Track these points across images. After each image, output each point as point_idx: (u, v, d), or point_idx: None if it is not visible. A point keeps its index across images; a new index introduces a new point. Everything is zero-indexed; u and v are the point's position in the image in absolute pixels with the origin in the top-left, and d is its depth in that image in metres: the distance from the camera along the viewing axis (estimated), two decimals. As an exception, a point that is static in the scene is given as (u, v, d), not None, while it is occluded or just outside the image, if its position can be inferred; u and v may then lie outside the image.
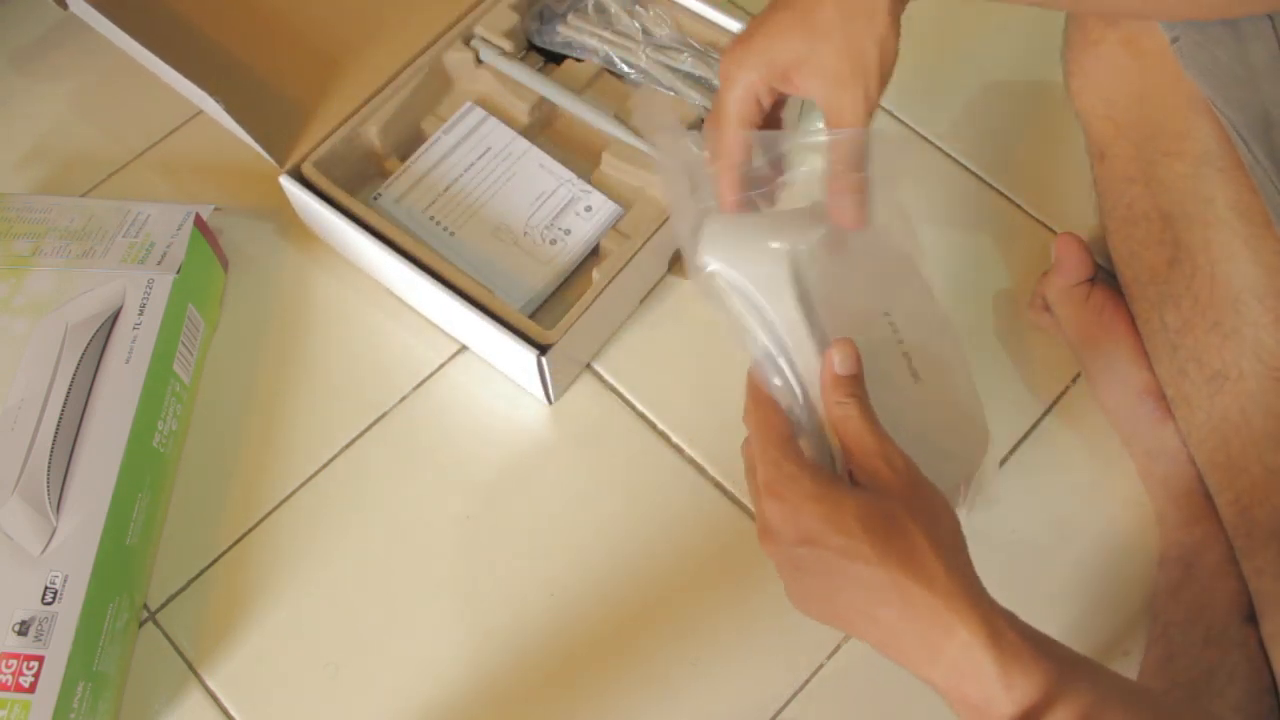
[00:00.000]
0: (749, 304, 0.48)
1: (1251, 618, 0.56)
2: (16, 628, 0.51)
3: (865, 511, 0.40)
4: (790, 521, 0.41)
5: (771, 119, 0.50)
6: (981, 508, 0.53)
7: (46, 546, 0.54)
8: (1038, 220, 0.73)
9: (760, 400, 0.46)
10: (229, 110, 0.64)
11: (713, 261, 0.48)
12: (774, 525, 0.42)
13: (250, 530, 0.63)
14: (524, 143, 0.70)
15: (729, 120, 0.47)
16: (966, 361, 0.51)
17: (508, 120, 0.71)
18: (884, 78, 0.46)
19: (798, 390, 0.47)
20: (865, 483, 0.42)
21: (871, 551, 0.39)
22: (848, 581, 0.40)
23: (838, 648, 0.60)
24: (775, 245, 0.48)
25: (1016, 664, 0.37)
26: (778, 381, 0.47)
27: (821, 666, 0.59)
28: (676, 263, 0.70)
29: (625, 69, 0.71)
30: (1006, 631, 0.37)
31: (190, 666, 0.59)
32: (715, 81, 0.68)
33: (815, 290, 0.48)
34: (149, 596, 0.61)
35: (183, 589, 0.61)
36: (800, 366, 0.47)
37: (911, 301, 0.51)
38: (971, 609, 0.38)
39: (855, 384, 0.44)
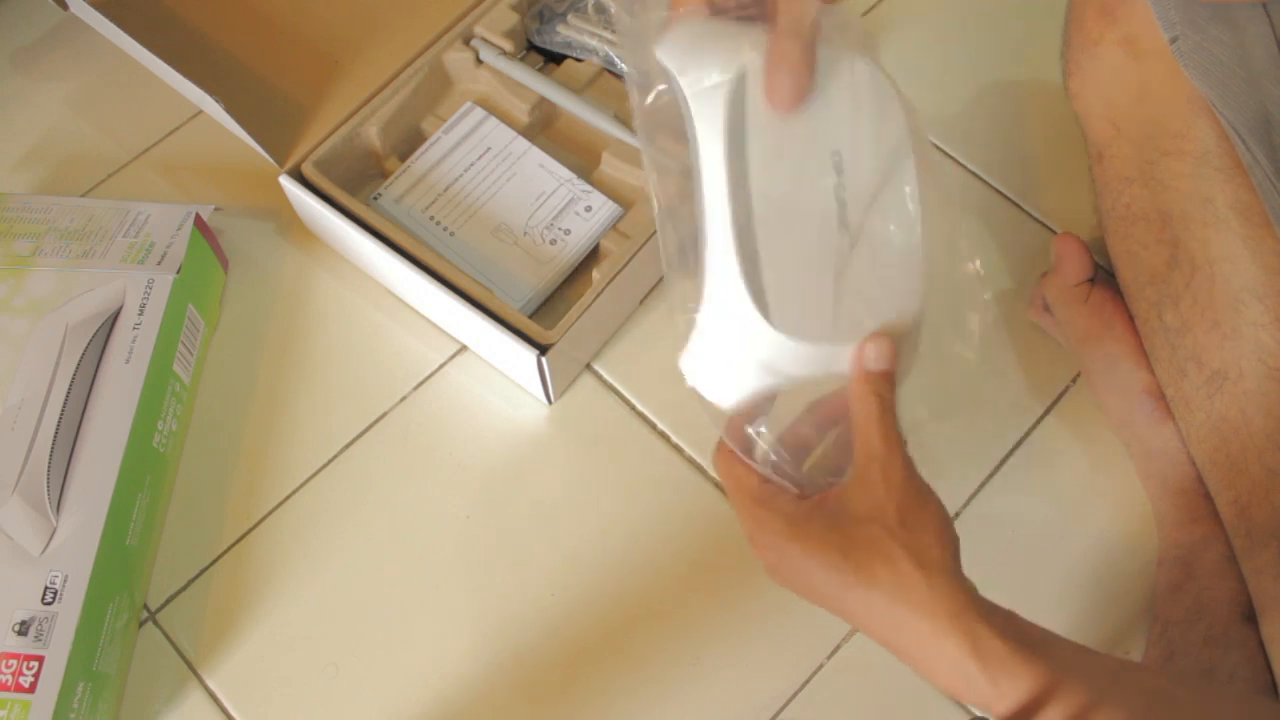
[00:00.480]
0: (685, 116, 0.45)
1: (1251, 618, 0.56)
2: (16, 628, 0.51)
3: (845, 542, 0.41)
4: (780, 566, 0.44)
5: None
6: (910, 366, 0.50)
7: (46, 546, 0.54)
8: (1038, 220, 0.73)
9: (725, 453, 0.46)
10: (229, 110, 0.64)
11: (664, 58, 0.46)
12: (769, 566, 0.45)
13: (250, 530, 0.63)
14: (524, 143, 0.70)
15: None
16: (917, 226, 0.48)
17: (508, 120, 0.71)
18: None
19: (700, 220, 0.45)
20: (858, 490, 0.42)
21: (857, 581, 0.40)
22: (843, 606, 0.42)
23: (837, 648, 0.60)
24: (729, 51, 0.45)
25: (1003, 672, 0.38)
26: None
27: (821, 666, 0.59)
28: (676, 263, 0.70)
29: (625, 69, 0.71)
30: (990, 641, 0.39)
31: (190, 666, 0.59)
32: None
33: (757, 112, 0.45)
34: (149, 596, 0.61)
35: (183, 589, 0.61)
36: (705, 195, 0.45)
37: (874, 145, 0.47)
38: (954, 624, 0.39)
39: (883, 381, 0.44)
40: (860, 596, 0.41)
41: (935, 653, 0.39)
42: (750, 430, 0.46)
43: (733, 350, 0.47)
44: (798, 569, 0.42)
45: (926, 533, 0.41)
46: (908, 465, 0.43)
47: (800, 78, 0.43)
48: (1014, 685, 0.38)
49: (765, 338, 0.45)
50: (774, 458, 0.45)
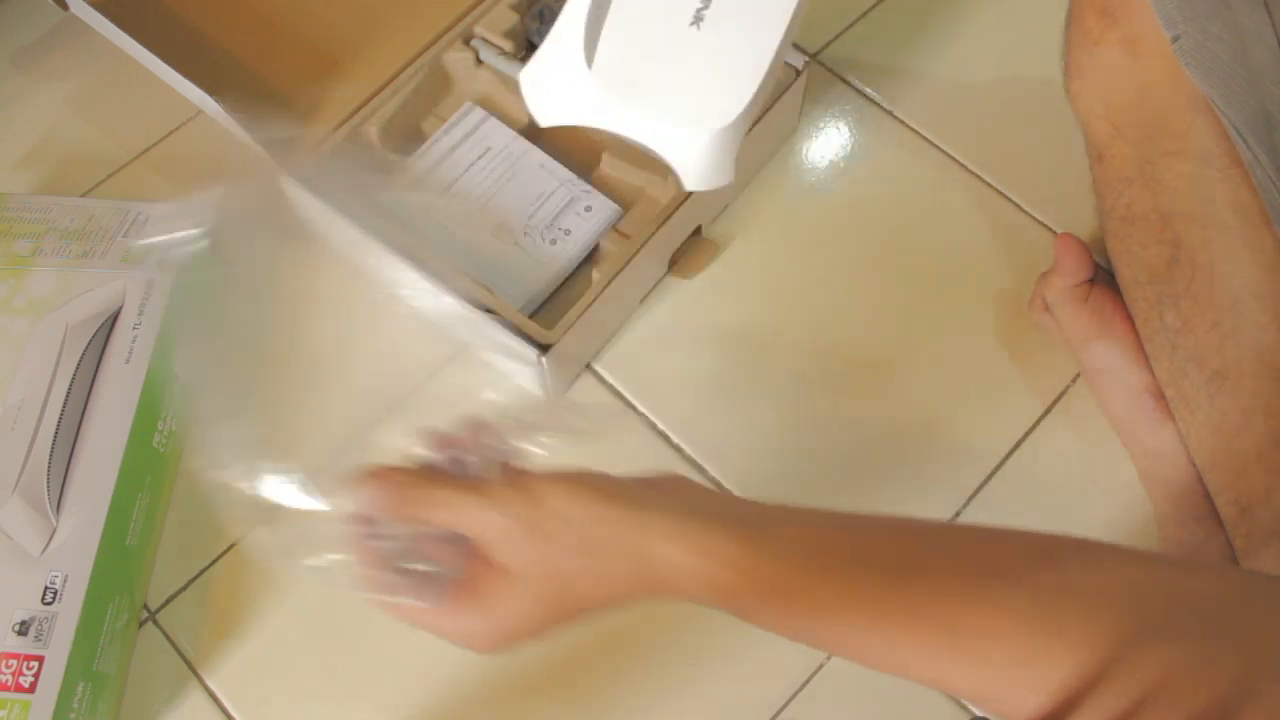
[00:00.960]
0: None
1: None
2: (16, 628, 0.51)
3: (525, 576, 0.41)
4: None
5: None
6: (712, 181, 0.54)
7: (46, 546, 0.54)
8: (1038, 220, 0.73)
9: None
10: (229, 110, 0.64)
11: None
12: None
13: (251, 530, 0.63)
14: (524, 143, 0.70)
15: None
16: (774, 45, 0.52)
17: (508, 120, 0.70)
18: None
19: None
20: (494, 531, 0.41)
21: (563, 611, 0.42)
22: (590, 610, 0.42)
23: (838, 648, 0.60)
24: None
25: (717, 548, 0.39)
26: None
27: (821, 666, 0.59)
28: (676, 263, 0.70)
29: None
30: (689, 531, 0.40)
31: (190, 666, 0.59)
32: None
33: None
34: (149, 596, 0.61)
35: (183, 589, 0.61)
36: None
37: None
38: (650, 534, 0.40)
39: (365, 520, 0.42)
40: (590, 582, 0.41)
41: (646, 569, 0.40)
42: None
43: (557, 78, 0.55)
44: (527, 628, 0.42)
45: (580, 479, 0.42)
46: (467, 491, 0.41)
47: None
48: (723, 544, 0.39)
49: (582, 77, 0.53)
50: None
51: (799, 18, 0.53)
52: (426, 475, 0.42)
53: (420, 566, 0.42)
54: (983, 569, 0.38)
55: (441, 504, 0.41)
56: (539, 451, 0.44)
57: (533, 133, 0.71)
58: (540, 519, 0.40)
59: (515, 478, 0.41)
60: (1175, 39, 0.54)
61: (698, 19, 0.52)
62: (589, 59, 0.52)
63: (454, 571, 0.42)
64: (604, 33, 0.52)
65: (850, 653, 0.40)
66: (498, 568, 0.41)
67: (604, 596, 0.41)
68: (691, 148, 0.53)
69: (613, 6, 0.52)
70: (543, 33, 0.72)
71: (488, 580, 0.41)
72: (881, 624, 0.38)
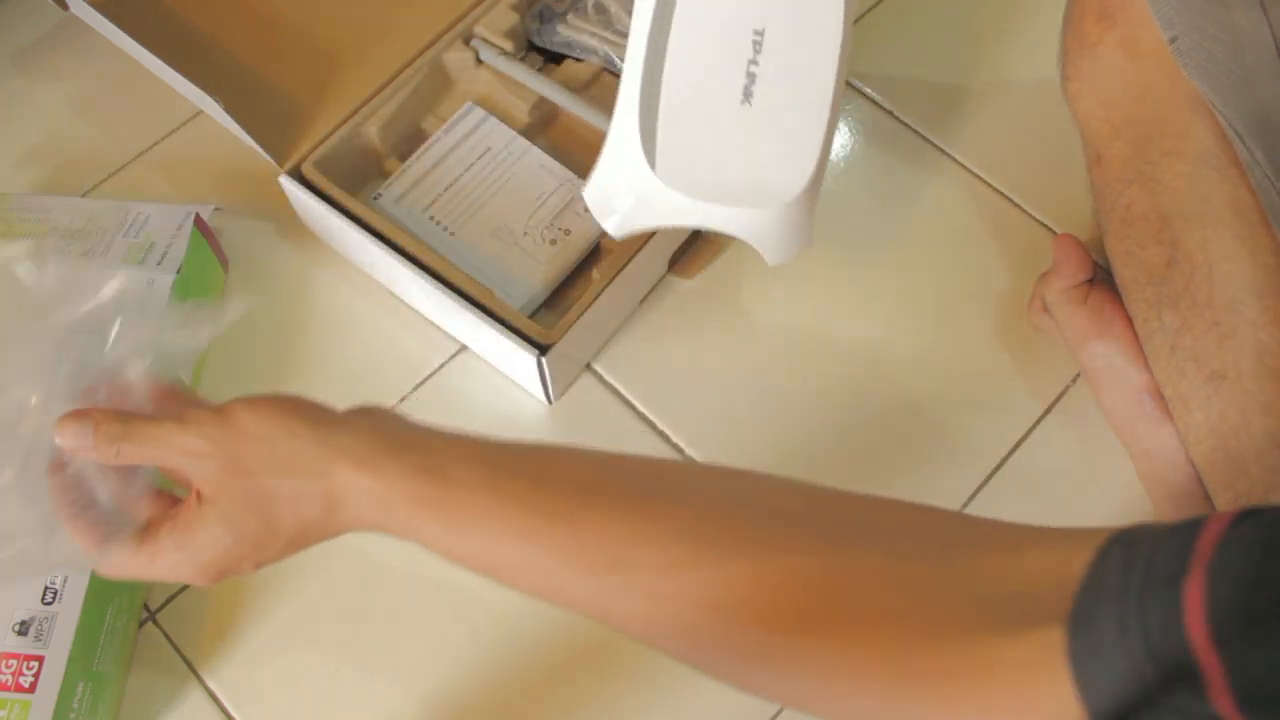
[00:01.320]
0: None
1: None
2: (16, 628, 0.51)
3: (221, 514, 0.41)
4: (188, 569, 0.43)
5: None
6: (793, 251, 0.55)
7: (46, 546, 0.54)
8: (1038, 220, 0.73)
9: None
10: (229, 110, 0.64)
11: None
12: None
13: (250, 530, 0.63)
14: (524, 143, 0.70)
15: None
16: (828, 106, 0.52)
17: (508, 120, 0.71)
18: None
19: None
20: (192, 463, 0.41)
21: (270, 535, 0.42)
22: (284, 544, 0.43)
23: (837, 647, 0.60)
24: None
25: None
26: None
27: (821, 666, 0.59)
28: (676, 262, 0.70)
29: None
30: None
31: (190, 666, 0.59)
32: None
33: None
34: (149, 596, 0.61)
35: (183, 589, 0.61)
36: (628, 49, 0.51)
37: (801, 30, 0.51)
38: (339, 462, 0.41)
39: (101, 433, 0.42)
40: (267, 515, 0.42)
41: (346, 509, 0.41)
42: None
43: (622, 187, 0.54)
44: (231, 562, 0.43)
45: (245, 436, 0.42)
46: (192, 413, 0.42)
47: None
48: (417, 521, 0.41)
49: (648, 182, 0.51)
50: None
51: (846, 67, 0.53)
52: (124, 413, 0.42)
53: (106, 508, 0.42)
54: (631, 490, 0.39)
55: (141, 435, 0.41)
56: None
57: (532, 133, 0.71)
58: (234, 439, 0.41)
59: (214, 406, 0.42)
60: (1172, 40, 0.54)
61: (747, 95, 0.51)
62: (651, 162, 0.51)
63: (134, 518, 0.42)
64: (659, 130, 0.51)
65: (516, 577, 0.41)
66: (197, 496, 0.41)
67: (297, 521, 0.42)
68: (768, 225, 0.52)
69: (662, 101, 0.51)
70: (542, 33, 0.73)
71: (187, 511, 0.42)
72: (530, 535, 0.39)
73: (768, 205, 0.51)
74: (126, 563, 0.43)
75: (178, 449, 0.41)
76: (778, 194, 0.51)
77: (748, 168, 0.51)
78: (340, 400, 0.67)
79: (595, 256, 0.68)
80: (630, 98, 0.50)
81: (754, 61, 0.51)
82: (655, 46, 0.50)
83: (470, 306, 0.62)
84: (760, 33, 0.51)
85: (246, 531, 0.42)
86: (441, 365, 0.68)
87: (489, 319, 0.61)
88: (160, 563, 0.43)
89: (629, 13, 0.72)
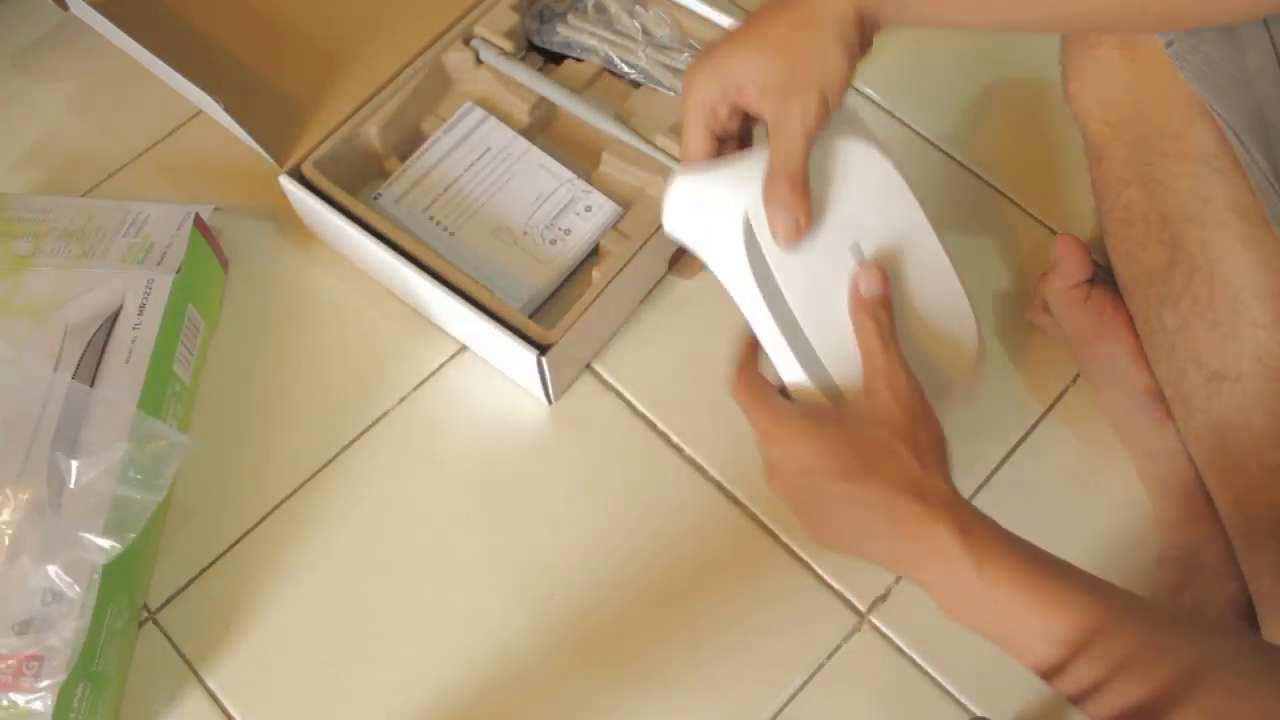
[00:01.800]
0: (709, 262, 0.52)
1: (1251, 617, 0.56)
2: (16, 628, 0.51)
3: (854, 438, 0.46)
4: (789, 457, 0.46)
5: (742, 135, 0.53)
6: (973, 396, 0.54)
7: (46, 546, 0.54)
8: (1038, 220, 0.73)
9: (742, 363, 0.51)
10: (229, 110, 0.64)
11: (672, 225, 0.52)
12: (776, 463, 0.47)
13: (250, 530, 0.63)
14: (524, 143, 0.70)
15: (689, 124, 0.51)
16: (954, 275, 0.53)
17: (508, 120, 0.71)
18: (825, 92, 0.48)
19: (764, 347, 0.51)
20: (865, 401, 0.47)
21: (863, 471, 0.44)
22: (845, 502, 0.45)
23: (837, 648, 0.60)
24: (728, 203, 0.50)
25: (988, 560, 0.43)
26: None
27: (821, 666, 0.59)
28: (676, 262, 0.70)
29: (625, 69, 0.71)
30: (979, 529, 0.44)
31: (190, 666, 0.59)
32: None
33: (773, 250, 0.50)
34: (149, 596, 0.61)
35: (183, 589, 0.61)
36: (758, 329, 0.51)
37: (886, 227, 0.52)
38: (947, 511, 0.43)
39: (877, 306, 0.49)
40: (862, 485, 0.44)
41: (925, 537, 0.43)
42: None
43: None
44: (804, 461, 0.46)
45: (926, 436, 0.46)
46: (910, 377, 0.47)
47: (796, 213, 0.48)
48: (997, 571, 0.42)
49: None
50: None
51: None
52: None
53: None
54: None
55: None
56: None
57: (532, 133, 0.71)
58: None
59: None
60: (1169, 44, 0.55)
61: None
62: (837, 401, 0.50)
63: None
64: (833, 374, 0.50)
65: None
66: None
67: (852, 515, 0.46)
68: (951, 403, 0.53)
69: (816, 348, 0.50)
70: (542, 33, 0.73)
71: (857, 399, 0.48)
72: None
73: (959, 387, 0.52)
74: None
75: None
76: (959, 384, 0.52)
77: (923, 364, 0.50)
78: (340, 400, 0.67)
79: (595, 256, 0.68)
80: (787, 360, 0.50)
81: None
82: (775, 303, 0.50)
83: (470, 306, 0.62)
84: (856, 246, 0.51)
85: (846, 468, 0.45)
86: (441, 365, 0.68)
87: (489, 319, 0.61)
88: (783, 409, 0.48)
89: (629, 13, 0.72)
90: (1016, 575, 0.42)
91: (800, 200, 0.48)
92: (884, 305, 0.49)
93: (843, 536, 0.47)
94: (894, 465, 0.44)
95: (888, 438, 0.45)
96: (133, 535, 0.53)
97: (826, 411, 0.48)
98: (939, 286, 0.53)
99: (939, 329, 0.52)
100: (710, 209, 0.52)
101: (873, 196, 0.52)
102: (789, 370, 0.50)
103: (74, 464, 0.54)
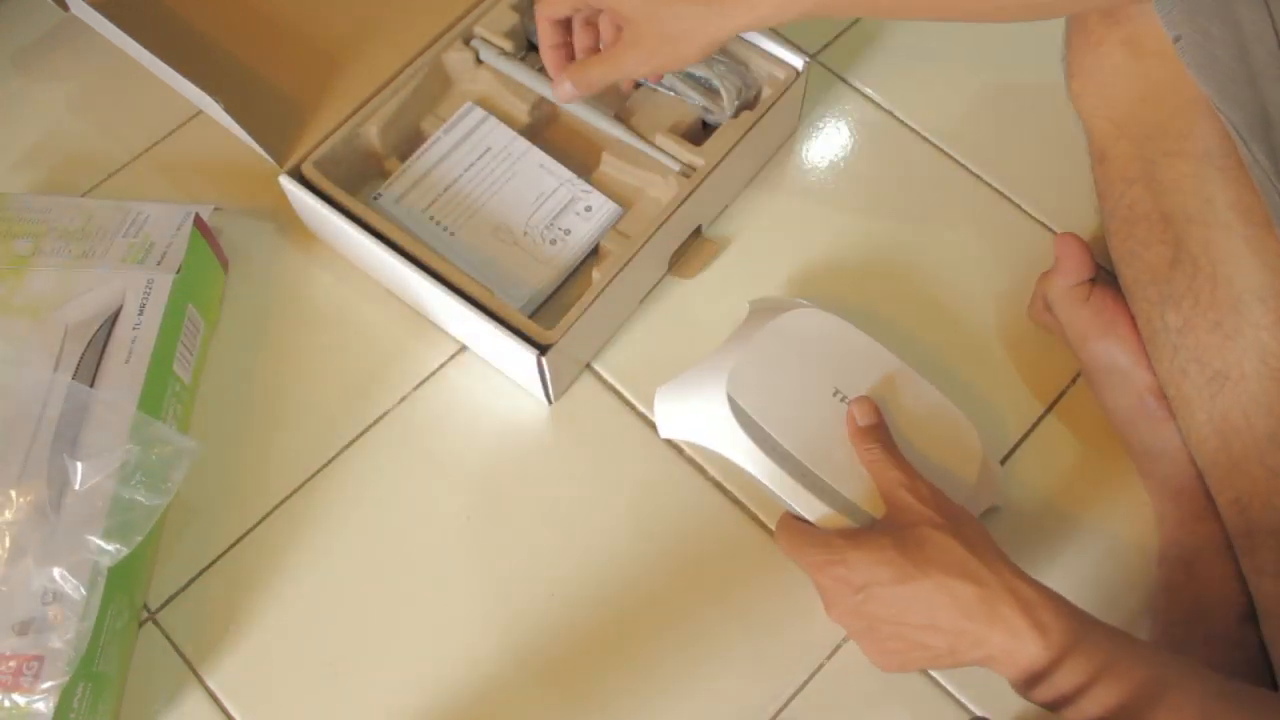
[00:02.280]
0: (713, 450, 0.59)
1: (1252, 617, 0.56)
2: (16, 628, 0.51)
3: (900, 540, 0.49)
4: (843, 579, 0.50)
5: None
6: (998, 501, 0.61)
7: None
8: (1038, 220, 0.73)
9: (781, 521, 0.56)
10: (229, 110, 0.64)
11: (668, 430, 0.63)
12: (832, 590, 0.51)
13: (250, 530, 0.63)
14: (524, 143, 0.70)
15: (540, 8, 0.61)
16: (930, 391, 0.59)
17: (508, 120, 0.70)
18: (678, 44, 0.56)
19: (781, 496, 0.56)
20: (897, 514, 0.51)
21: (915, 569, 0.48)
22: (904, 603, 0.48)
23: (837, 648, 0.60)
24: (709, 391, 0.59)
25: (1053, 628, 0.46)
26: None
27: (821, 666, 0.59)
28: (676, 263, 0.70)
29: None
30: (1040, 603, 0.47)
31: (190, 666, 0.59)
32: (715, 82, 0.68)
33: (762, 414, 0.57)
34: (149, 596, 0.61)
35: (183, 589, 0.61)
36: (770, 483, 0.56)
37: (854, 370, 0.59)
38: (1005, 590, 0.47)
39: (877, 432, 0.55)
40: (917, 584, 0.47)
41: (987, 617, 0.46)
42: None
43: None
44: (860, 577, 0.49)
45: (966, 523, 0.50)
46: (928, 483, 0.52)
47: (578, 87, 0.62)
48: (1059, 634, 0.45)
49: None
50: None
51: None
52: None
53: None
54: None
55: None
56: None
57: (532, 133, 0.71)
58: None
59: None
60: (1176, 39, 0.54)
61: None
62: (865, 521, 0.55)
63: None
64: (837, 490, 0.56)
65: None
66: None
67: (914, 614, 0.50)
68: (976, 507, 0.59)
69: (826, 481, 0.56)
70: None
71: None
72: None
73: (961, 488, 0.57)
74: None
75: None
76: (967, 467, 0.58)
77: (936, 475, 0.55)
78: (340, 400, 0.67)
79: (595, 256, 0.68)
80: (808, 500, 0.55)
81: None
82: (779, 457, 0.56)
83: (470, 306, 0.62)
84: (839, 392, 0.58)
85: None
86: (441, 365, 0.68)
87: (489, 319, 0.61)
88: (824, 536, 0.53)
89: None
90: (1081, 645, 0.45)
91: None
92: (883, 429, 0.55)
93: (906, 642, 0.49)
94: (943, 556, 0.48)
95: (929, 533, 0.49)
96: (139, 539, 0.53)
97: (865, 530, 0.52)
98: (926, 403, 0.59)
99: (939, 439, 0.58)
100: (695, 405, 0.60)
101: (846, 355, 0.60)
102: (811, 508, 0.55)
103: (79, 465, 0.54)
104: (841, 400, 0.58)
